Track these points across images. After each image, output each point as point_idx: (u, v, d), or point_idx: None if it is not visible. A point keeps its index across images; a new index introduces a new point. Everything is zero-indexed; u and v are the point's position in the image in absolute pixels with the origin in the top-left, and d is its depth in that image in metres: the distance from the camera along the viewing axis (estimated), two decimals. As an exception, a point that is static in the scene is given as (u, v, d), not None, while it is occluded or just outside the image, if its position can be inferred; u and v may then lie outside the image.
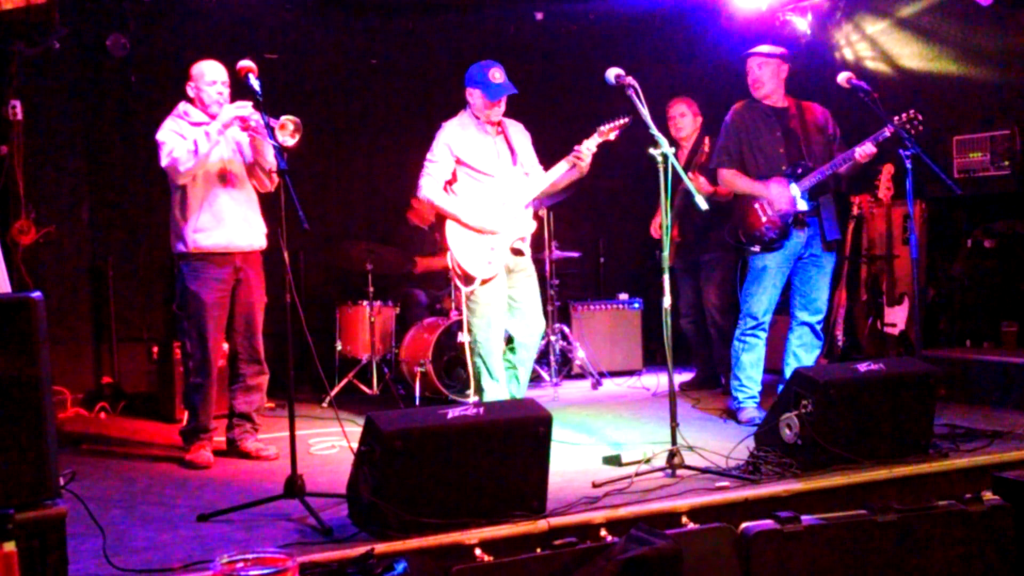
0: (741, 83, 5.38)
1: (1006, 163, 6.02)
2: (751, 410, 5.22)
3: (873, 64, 7.01)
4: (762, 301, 5.22)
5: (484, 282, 4.87)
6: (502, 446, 3.41)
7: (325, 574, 2.96)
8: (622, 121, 4.77)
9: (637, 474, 3.92)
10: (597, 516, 3.45)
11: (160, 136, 4.61)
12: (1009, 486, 3.66)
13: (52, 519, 2.69)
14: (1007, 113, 6.10)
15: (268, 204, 4.66)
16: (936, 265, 6.47)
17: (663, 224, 4.20)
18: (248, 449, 4.79)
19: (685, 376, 6.62)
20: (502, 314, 4.96)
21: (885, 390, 4.11)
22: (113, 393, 6.45)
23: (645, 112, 4.22)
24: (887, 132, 4.83)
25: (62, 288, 6.47)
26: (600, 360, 7.14)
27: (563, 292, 7.11)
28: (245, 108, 4.51)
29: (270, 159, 4.61)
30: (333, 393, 6.23)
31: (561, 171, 4.90)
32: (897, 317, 6.21)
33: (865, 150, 4.94)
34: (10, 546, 2.50)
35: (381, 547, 3.09)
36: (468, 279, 4.88)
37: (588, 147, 4.81)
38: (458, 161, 4.92)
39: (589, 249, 7.71)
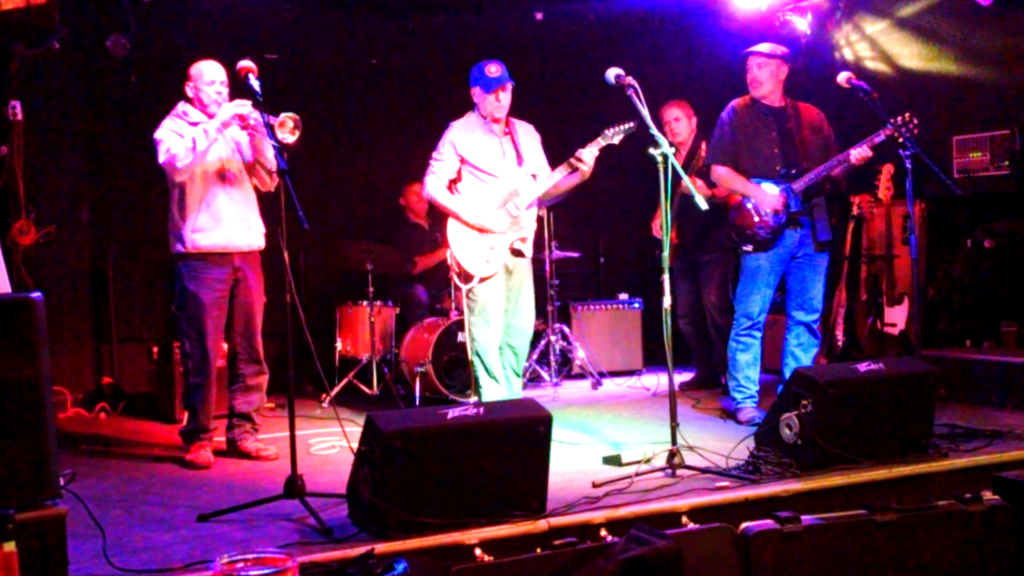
0: (741, 83, 5.38)
1: (1006, 163, 6.02)
2: (750, 410, 5.22)
3: (873, 64, 7.01)
4: (756, 301, 5.23)
5: (482, 280, 4.89)
6: (502, 446, 3.41)
7: (325, 574, 2.97)
8: (627, 126, 4.77)
9: (637, 474, 3.92)
10: (597, 516, 3.45)
11: (158, 134, 4.61)
12: (1009, 486, 3.66)
13: (52, 519, 2.69)
14: (1007, 113, 6.10)
15: (268, 204, 4.65)
16: (936, 265, 6.47)
17: (663, 224, 4.20)
18: (248, 449, 4.79)
19: (685, 376, 6.62)
20: (501, 313, 4.97)
21: (885, 390, 4.11)
22: (113, 393, 6.44)
23: (645, 112, 4.22)
24: (883, 135, 4.84)
25: (62, 288, 6.47)
26: (600, 360, 7.14)
27: (563, 292, 7.11)
28: (244, 106, 4.51)
29: (270, 158, 4.61)
30: (333, 393, 6.23)
31: (560, 176, 4.92)
32: (897, 317, 6.21)
33: (860, 152, 4.95)
34: (10, 546, 2.50)
35: (381, 547, 3.09)
36: (467, 277, 4.91)
37: (591, 152, 4.82)
38: (462, 160, 4.96)
39: (589, 249, 7.70)
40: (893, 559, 3.45)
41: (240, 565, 2.65)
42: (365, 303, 6.55)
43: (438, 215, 5.52)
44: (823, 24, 7.30)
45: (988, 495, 3.65)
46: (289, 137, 4.03)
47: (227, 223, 4.68)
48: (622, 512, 3.49)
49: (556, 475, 3.71)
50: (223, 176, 4.71)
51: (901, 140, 4.74)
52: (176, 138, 4.56)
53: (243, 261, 4.76)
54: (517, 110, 5.14)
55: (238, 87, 4.38)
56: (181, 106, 4.74)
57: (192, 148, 4.49)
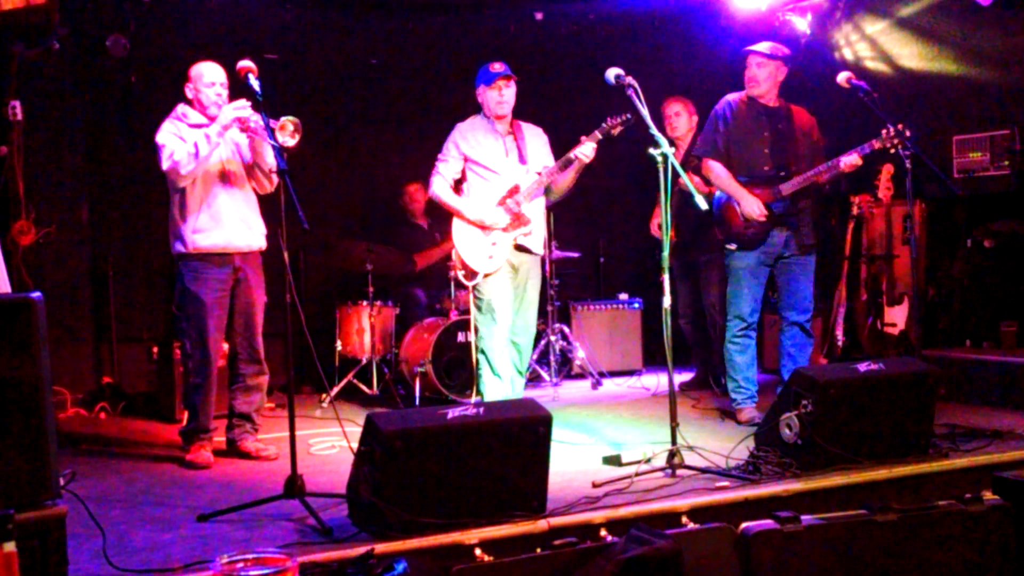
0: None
1: (1006, 163, 6.02)
2: (750, 410, 5.22)
3: (873, 64, 7.01)
4: (747, 302, 5.24)
5: (487, 276, 4.95)
6: (502, 446, 3.41)
7: (325, 574, 2.96)
8: (625, 118, 4.79)
9: (637, 474, 3.92)
10: (597, 516, 3.45)
11: (160, 139, 4.60)
12: (1009, 486, 3.65)
13: (52, 519, 2.69)
14: (1007, 113, 6.10)
15: (268, 204, 4.66)
16: (936, 265, 6.47)
17: (663, 223, 4.20)
18: (248, 449, 4.79)
19: (685, 376, 6.62)
20: (508, 310, 5.00)
21: (885, 390, 4.11)
22: (113, 393, 6.44)
23: (645, 112, 4.22)
24: (875, 145, 4.87)
25: (62, 288, 6.47)
26: (600, 360, 7.14)
27: (563, 292, 7.11)
28: (244, 109, 4.51)
29: (269, 160, 4.61)
30: (333, 393, 6.23)
31: (558, 169, 4.96)
32: (897, 317, 6.21)
33: (850, 160, 4.97)
34: (10, 546, 2.50)
35: (381, 547, 3.09)
36: (471, 274, 4.99)
37: (590, 145, 4.84)
38: (466, 159, 5.05)
39: (589, 249, 7.70)
40: (893, 559, 3.45)
41: (240, 565, 2.65)
42: (365, 303, 6.55)
43: (440, 215, 5.54)
44: (823, 24, 7.29)
45: (988, 495, 3.65)
46: (289, 140, 4.03)
47: (227, 223, 4.68)
48: (622, 512, 3.49)
49: (556, 475, 3.71)
50: (224, 177, 4.71)
51: (892, 151, 4.79)
52: (178, 143, 4.55)
53: (244, 261, 4.76)
54: (517, 110, 5.16)
55: (238, 87, 4.38)
56: (181, 108, 4.74)
57: (195, 155, 4.49)
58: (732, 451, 4.20)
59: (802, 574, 3.34)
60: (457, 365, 6.20)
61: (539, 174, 5.00)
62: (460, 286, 5.89)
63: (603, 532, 3.38)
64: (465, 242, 5.01)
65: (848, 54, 7.18)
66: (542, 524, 3.35)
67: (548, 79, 7.67)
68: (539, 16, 7.65)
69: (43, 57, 6.13)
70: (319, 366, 4.66)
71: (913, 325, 5.92)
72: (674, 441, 4.07)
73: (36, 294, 2.77)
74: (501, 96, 4.98)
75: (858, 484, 3.85)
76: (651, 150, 4.17)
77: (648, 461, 4.16)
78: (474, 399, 5.32)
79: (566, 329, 7.01)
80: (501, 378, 4.98)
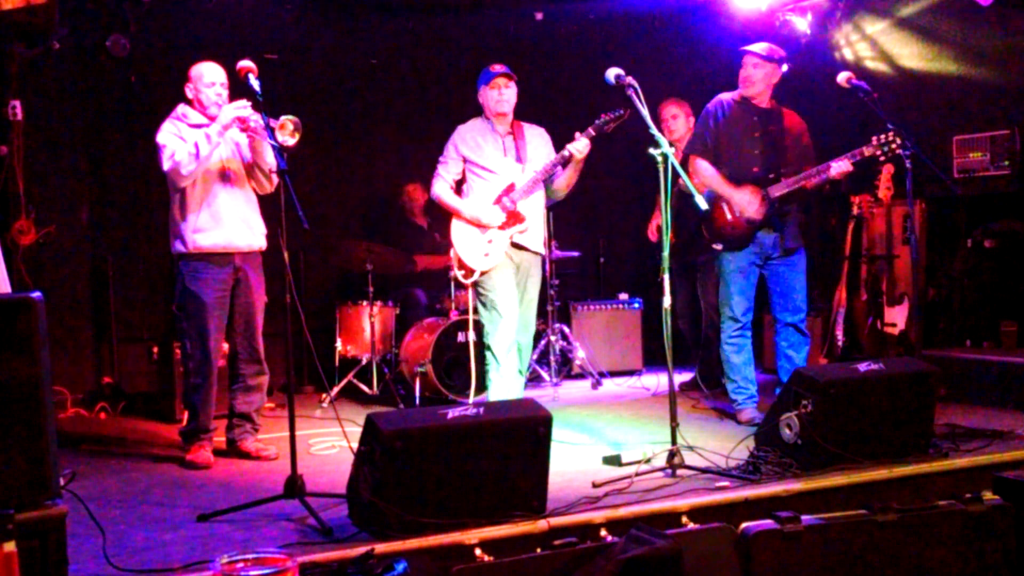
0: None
1: (1006, 163, 6.02)
2: (750, 410, 5.22)
3: (873, 64, 7.01)
4: (739, 302, 5.24)
5: (484, 273, 5.00)
6: (502, 446, 3.41)
7: (325, 574, 2.96)
8: (618, 114, 4.81)
9: (637, 474, 3.92)
10: (597, 516, 3.45)
11: (160, 139, 4.60)
12: (1009, 486, 3.65)
13: (52, 519, 2.69)
14: (1007, 113, 6.10)
15: (268, 204, 4.66)
16: (936, 265, 6.47)
17: (663, 223, 4.20)
18: (248, 449, 4.79)
19: (685, 376, 6.62)
20: (513, 307, 5.02)
21: (885, 390, 4.11)
22: (113, 393, 6.44)
23: (645, 112, 4.22)
24: (865, 152, 4.89)
25: (62, 288, 6.47)
26: (600, 360, 7.14)
27: (563, 292, 7.11)
28: (244, 109, 4.51)
29: (269, 160, 4.61)
30: (333, 393, 6.23)
31: (552, 166, 5.00)
32: (897, 317, 6.21)
33: (840, 167, 4.98)
34: (10, 546, 2.50)
35: (381, 547, 3.09)
36: (468, 271, 5.04)
37: (582, 143, 4.87)
38: (465, 160, 5.11)
39: (589, 249, 7.70)
40: (893, 559, 3.45)
41: (240, 565, 2.65)
42: (365, 303, 6.55)
43: (440, 215, 5.57)
44: (823, 24, 7.29)
45: (988, 495, 3.65)
46: (289, 140, 4.03)
47: (228, 223, 4.68)
48: (622, 512, 3.49)
49: (556, 475, 3.71)
50: (224, 176, 4.71)
51: (882, 158, 4.82)
52: (179, 143, 4.55)
53: (244, 261, 4.76)
54: (519, 110, 5.17)
55: (238, 87, 4.38)
56: (181, 108, 4.74)
57: (196, 155, 4.49)
58: (732, 451, 4.20)
59: (802, 574, 3.34)
60: (457, 365, 6.19)
61: (536, 169, 5.03)
62: (460, 286, 5.89)
63: (603, 532, 3.38)
64: (462, 240, 5.07)
65: (848, 54, 7.18)
66: (542, 524, 3.35)
67: (548, 79, 7.67)
68: (539, 16, 7.65)
69: (43, 57, 6.13)
70: (319, 366, 4.66)
71: (913, 325, 5.92)
72: (674, 441, 4.07)
73: (36, 294, 2.76)
74: (500, 95, 5.01)
75: (858, 484, 3.85)
76: (651, 150, 4.17)
77: (648, 461, 4.16)
78: (474, 398, 5.33)
79: (566, 329, 7.01)
80: (509, 376, 5.00)
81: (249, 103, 4.50)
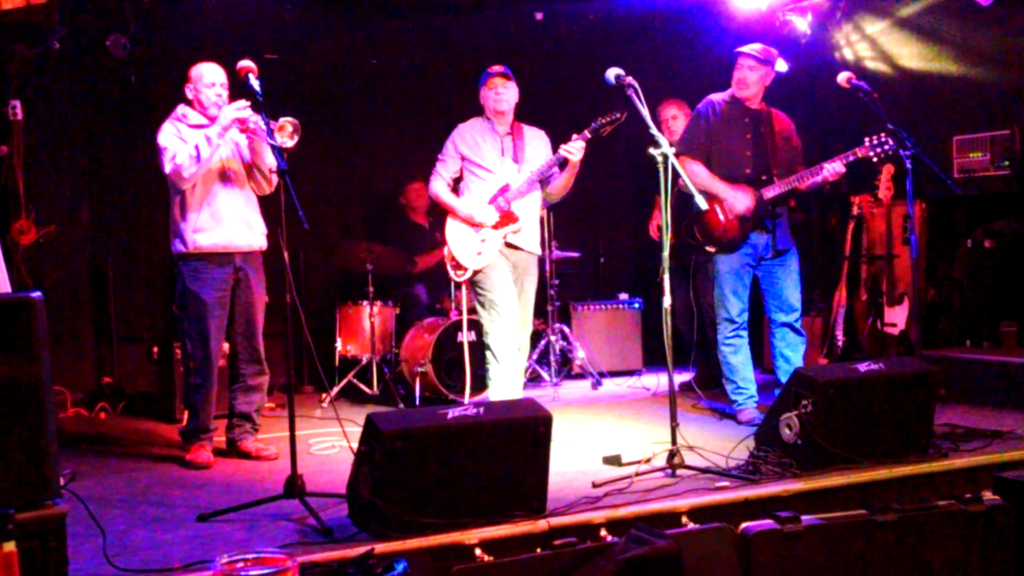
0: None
1: (1006, 163, 6.02)
2: (751, 410, 5.23)
3: (873, 64, 7.01)
4: (734, 303, 5.25)
5: (476, 272, 5.03)
6: (502, 446, 3.41)
7: (325, 574, 2.96)
8: (615, 117, 4.82)
9: (637, 474, 3.92)
10: (597, 516, 3.45)
11: (161, 141, 4.60)
12: (1009, 486, 3.65)
13: (52, 519, 2.69)
14: (1007, 113, 6.10)
15: (268, 204, 4.66)
16: (936, 265, 6.47)
17: (663, 223, 4.20)
18: (248, 449, 4.79)
19: (685, 376, 6.62)
20: (512, 306, 5.04)
21: (885, 390, 4.11)
22: (113, 393, 6.44)
23: (645, 112, 4.22)
24: (858, 153, 4.90)
25: (62, 288, 6.47)
26: (600, 360, 7.14)
27: (563, 292, 7.10)
28: (244, 110, 4.51)
29: (269, 161, 4.62)
30: (333, 393, 6.23)
31: (548, 168, 5.03)
32: (897, 317, 6.21)
33: (834, 168, 5.01)
34: (10, 546, 2.50)
35: (381, 547, 3.09)
36: (460, 269, 5.10)
37: (577, 144, 4.89)
38: (463, 158, 5.15)
39: (589, 249, 7.70)
40: (893, 559, 3.45)
41: (240, 565, 2.65)
42: (365, 303, 6.55)
43: (441, 214, 5.58)
44: (823, 24, 7.29)
45: (988, 495, 3.65)
46: (288, 141, 4.03)
47: (228, 223, 4.68)
48: (622, 512, 3.48)
49: (556, 475, 3.71)
50: (224, 176, 4.71)
51: (876, 160, 4.83)
52: (180, 145, 4.55)
53: (244, 261, 4.76)
54: (519, 110, 5.17)
55: (238, 87, 4.38)
56: (181, 109, 4.73)
57: (196, 158, 4.49)
58: (732, 451, 4.20)
59: (802, 574, 3.34)
60: (457, 365, 6.18)
61: (531, 170, 5.04)
62: (460, 286, 5.90)
63: (603, 532, 3.38)
64: (456, 238, 5.12)
65: (848, 54, 7.18)
66: (542, 524, 3.35)
67: (548, 79, 7.67)
68: (539, 16, 7.64)
69: (43, 57, 6.13)
70: (319, 366, 4.67)
71: (913, 325, 5.93)
72: (674, 441, 4.07)
73: (36, 294, 2.77)
74: (498, 94, 5.04)
75: (858, 484, 3.84)
76: (651, 150, 4.17)
77: (648, 461, 4.16)
78: (470, 398, 5.33)
79: (566, 329, 7.01)
80: (510, 375, 5.02)
81: (249, 104, 4.50)
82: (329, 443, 5.03)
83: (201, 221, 4.64)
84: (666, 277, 4.18)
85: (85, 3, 6.43)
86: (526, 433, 3.45)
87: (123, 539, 3.43)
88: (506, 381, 5.00)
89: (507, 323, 5.00)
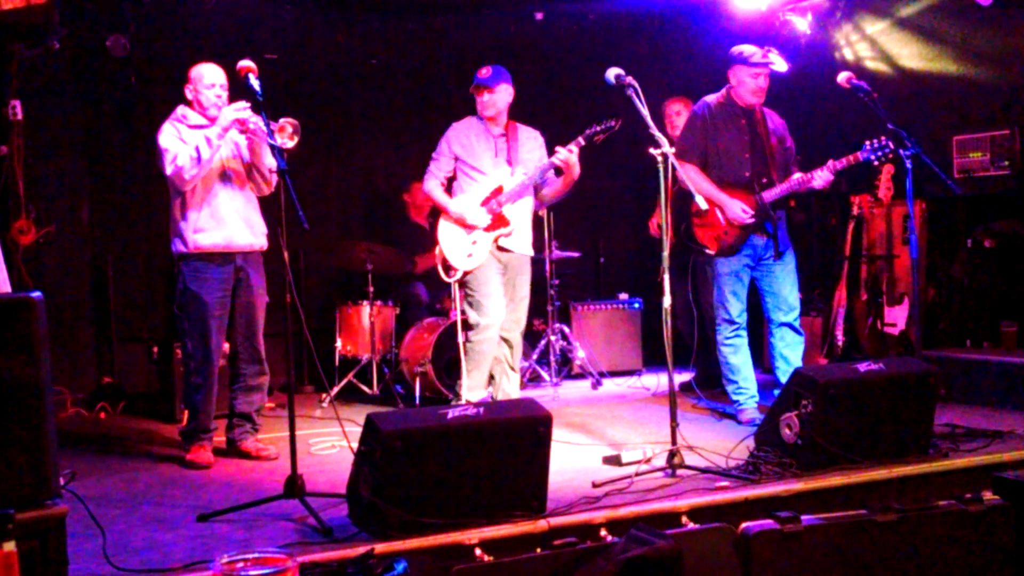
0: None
1: (1006, 163, 6.01)
2: (752, 410, 5.22)
3: (873, 64, 7.01)
4: (734, 304, 5.25)
5: (466, 273, 5.09)
6: (502, 446, 3.41)
7: (325, 574, 2.96)
8: (609, 125, 4.83)
9: (637, 474, 3.92)
10: (597, 516, 3.45)
11: (162, 143, 4.59)
12: (1009, 486, 3.65)
13: (52, 519, 2.69)
14: (1007, 113, 6.09)
15: (268, 204, 4.65)
16: (936, 265, 6.46)
17: (663, 223, 4.20)
18: (248, 449, 4.79)
19: (685, 376, 6.62)
20: (498, 307, 5.07)
21: (885, 390, 4.11)
22: (113, 393, 6.44)
23: (645, 112, 4.22)
24: (859, 157, 4.93)
25: (62, 288, 6.47)
26: (600, 360, 7.14)
27: (563, 292, 7.11)
28: (243, 111, 4.51)
29: (268, 161, 4.62)
30: (333, 393, 6.23)
31: (538, 172, 5.04)
32: (897, 317, 6.21)
33: (824, 176, 5.02)
34: (10, 546, 2.50)
35: (381, 547, 3.09)
36: (449, 269, 5.15)
37: (568, 151, 4.91)
38: (456, 158, 5.17)
39: (589, 249, 7.70)
40: (893, 559, 3.45)
41: (240, 565, 2.65)
42: (365, 303, 6.55)
43: (438, 214, 5.59)
44: (823, 24, 7.29)
45: (988, 495, 3.65)
46: (288, 142, 4.03)
47: (229, 223, 4.68)
48: (622, 512, 3.49)
49: (556, 475, 3.71)
50: (225, 176, 4.71)
51: (876, 163, 4.86)
52: (181, 146, 4.55)
53: (245, 261, 4.76)
54: (517, 110, 5.17)
55: (238, 87, 4.38)
56: (180, 109, 4.73)
57: (197, 159, 4.49)
58: (732, 451, 4.21)
59: (802, 574, 3.34)
60: (457, 365, 6.18)
61: (525, 174, 5.06)
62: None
63: (603, 532, 3.38)
64: (448, 238, 5.16)
65: (848, 54, 7.18)
66: (542, 524, 3.35)
67: (548, 79, 7.68)
68: (539, 16, 7.65)
69: (43, 57, 6.13)
70: (319, 366, 4.67)
71: (913, 325, 5.92)
72: (674, 441, 4.07)
73: (36, 294, 2.77)
74: (482, 102, 5.09)
75: (858, 484, 3.85)
76: (651, 150, 4.17)
77: (648, 461, 4.16)
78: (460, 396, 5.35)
79: (566, 329, 7.01)
80: (483, 375, 5.10)
81: (248, 105, 4.50)
82: (329, 443, 5.03)
83: (202, 221, 4.64)
84: (666, 277, 4.18)
85: (85, 3, 6.43)
86: (526, 433, 3.45)
87: (123, 539, 3.43)
88: (480, 381, 5.11)
89: (491, 325, 5.05)
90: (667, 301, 4.15)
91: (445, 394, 6.11)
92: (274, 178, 4.26)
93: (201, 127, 4.62)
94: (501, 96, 5.08)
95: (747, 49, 5.22)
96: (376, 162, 7.61)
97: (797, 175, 5.15)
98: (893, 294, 6.27)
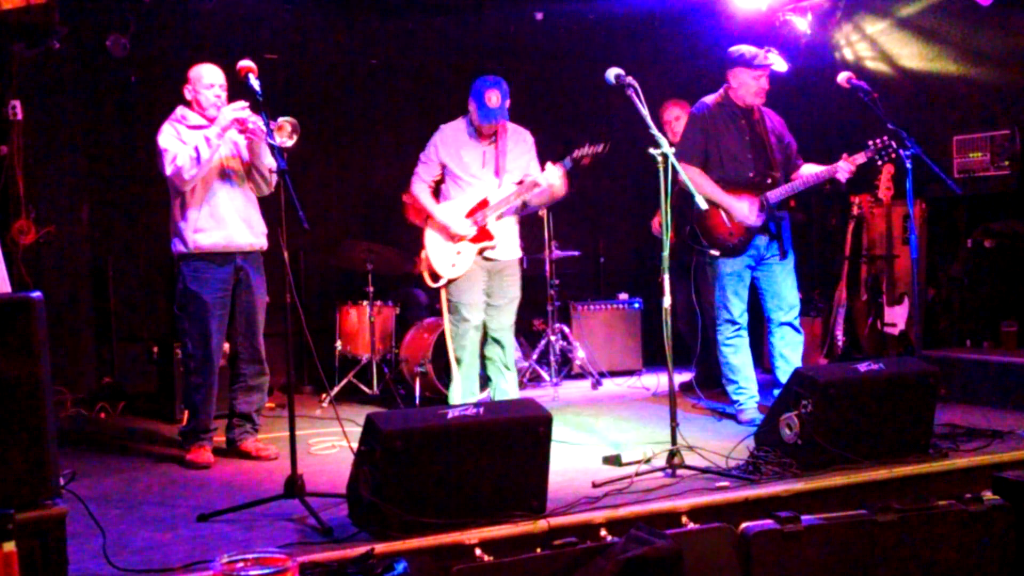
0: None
1: (1006, 163, 6.02)
2: (752, 410, 5.22)
3: (873, 64, 7.01)
4: (735, 304, 5.25)
5: (450, 281, 5.11)
6: (502, 446, 3.41)
7: (325, 574, 2.96)
8: (595, 149, 4.86)
9: (637, 474, 3.92)
10: (597, 516, 3.45)
11: (161, 143, 4.59)
12: (1009, 486, 3.65)
13: (52, 519, 2.69)
14: (1007, 113, 6.10)
15: (268, 204, 4.66)
16: (936, 265, 6.47)
17: (663, 223, 4.20)
18: (248, 449, 4.79)
19: (685, 376, 6.62)
20: (477, 313, 5.11)
21: (885, 390, 4.11)
22: (113, 393, 6.43)
23: (645, 112, 4.22)
24: (863, 158, 4.96)
25: (62, 288, 6.47)
26: (600, 360, 7.13)
27: (563, 292, 7.10)
28: (243, 110, 4.51)
29: (268, 161, 4.62)
30: (333, 393, 6.23)
31: (518, 191, 5.04)
32: (897, 317, 6.21)
33: (847, 167, 5.05)
34: (10, 546, 2.50)
35: (381, 547, 3.09)
36: (435, 277, 5.16)
37: (552, 172, 4.94)
38: (443, 164, 5.17)
39: (589, 249, 7.70)
40: (893, 559, 3.45)
41: (240, 565, 2.65)
42: (365, 303, 6.55)
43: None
44: (823, 24, 7.29)
45: (988, 495, 3.65)
46: (287, 141, 4.03)
47: (229, 222, 4.68)
48: (622, 512, 3.49)
49: (556, 475, 3.71)
50: (224, 175, 4.71)
51: (880, 164, 4.88)
52: (180, 147, 4.55)
53: (245, 261, 4.76)
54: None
55: (238, 87, 4.38)
56: (180, 110, 4.73)
57: (197, 160, 4.49)
58: (732, 451, 4.21)
59: (802, 574, 3.34)
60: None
61: (515, 184, 5.05)
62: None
63: (603, 532, 3.38)
64: (433, 246, 5.17)
65: (848, 54, 7.18)
66: (542, 524, 3.35)
67: (548, 79, 7.67)
68: (539, 16, 7.64)
69: (43, 57, 6.13)
70: (319, 366, 4.67)
71: (913, 325, 5.92)
72: (674, 441, 4.07)
73: (36, 294, 2.77)
74: (488, 126, 5.05)
75: (858, 484, 3.84)
76: (651, 150, 4.17)
77: (648, 461, 4.16)
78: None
79: (566, 329, 7.01)
80: (468, 378, 5.13)
81: (247, 104, 4.50)
82: (329, 443, 5.03)
83: (201, 221, 4.64)
84: (666, 277, 4.18)
85: (85, 3, 6.43)
86: (526, 433, 3.45)
87: (123, 539, 3.43)
88: (468, 384, 5.12)
89: (471, 329, 5.09)
90: (667, 301, 4.15)
91: (445, 394, 6.11)
92: (274, 178, 4.26)
93: (200, 127, 4.62)
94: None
95: (747, 50, 5.21)
96: (376, 162, 7.60)
97: (814, 169, 5.15)
98: (893, 294, 6.27)
